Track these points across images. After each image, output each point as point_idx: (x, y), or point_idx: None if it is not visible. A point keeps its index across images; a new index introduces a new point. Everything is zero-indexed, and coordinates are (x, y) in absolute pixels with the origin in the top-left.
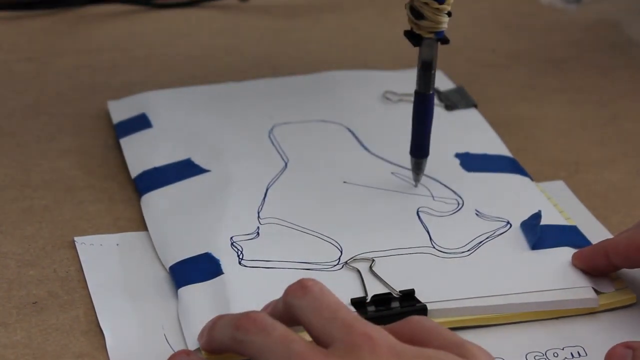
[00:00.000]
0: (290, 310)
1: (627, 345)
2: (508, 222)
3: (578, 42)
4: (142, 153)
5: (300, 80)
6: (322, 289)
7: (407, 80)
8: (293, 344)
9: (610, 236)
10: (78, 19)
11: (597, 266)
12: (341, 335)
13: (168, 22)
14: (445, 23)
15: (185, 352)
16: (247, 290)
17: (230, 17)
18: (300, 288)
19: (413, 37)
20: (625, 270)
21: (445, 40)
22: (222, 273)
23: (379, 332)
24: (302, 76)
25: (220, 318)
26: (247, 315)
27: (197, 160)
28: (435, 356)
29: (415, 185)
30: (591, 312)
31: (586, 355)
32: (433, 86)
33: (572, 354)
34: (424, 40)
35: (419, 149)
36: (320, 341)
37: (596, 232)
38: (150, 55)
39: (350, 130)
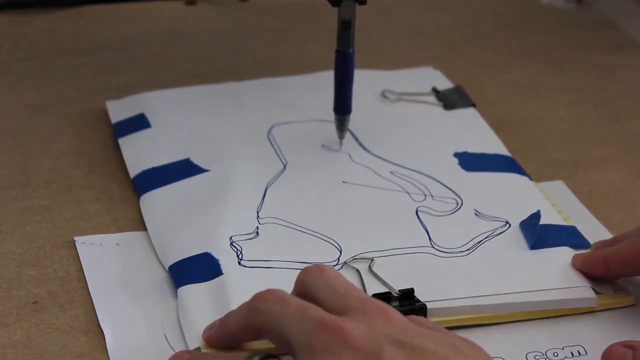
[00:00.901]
0: (304, 287)
1: (626, 345)
2: (507, 222)
3: (578, 42)
4: (141, 153)
5: (300, 80)
6: (338, 272)
7: (406, 80)
8: (309, 309)
9: (610, 236)
10: (78, 19)
11: (596, 274)
12: (357, 305)
13: (168, 21)
14: None
15: (187, 352)
16: (247, 290)
17: (230, 17)
18: (317, 268)
19: None
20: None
21: (362, 1)
22: (222, 273)
23: (392, 309)
24: (302, 76)
25: (231, 312)
26: (265, 289)
27: (196, 160)
28: (445, 339)
29: (340, 143)
30: (591, 312)
31: (586, 354)
32: (353, 45)
33: (572, 353)
34: (342, 2)
35: (342, 106)
36: (334, 313)
37: (596, 232)
38: (150, 55)
39: (349, 130)
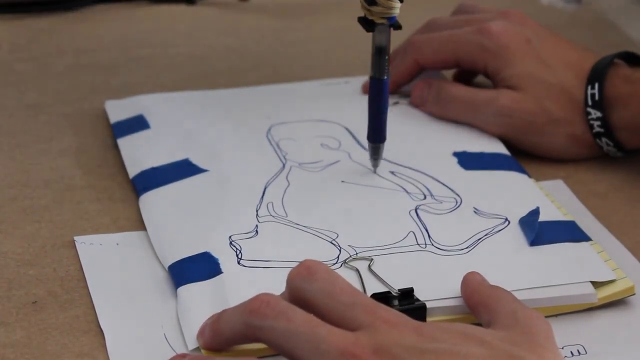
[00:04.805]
0: (298, 293)
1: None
2: (506, 219)
3: (578, 42)
4: (140, 153)
5: (299, 87)
6: (328, 271)
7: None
8: (319, 328)
9: (610, 236)
10: (78, 19)
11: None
12: (366, 319)
13: (168, 22)
14: (397, 9)
15: (181, 355)
16: (246, 289)
17: (230, 17)
18: (305, 269)
19: (366, 23)
20: (624, 265)
21: (397, 26)
22: (221, 272)
23: (399, 315)
24: (301, 83)
25: (224, 311)
26: (258, 299)
27: (195, 160)
28: (462, 330)
29: (374, 171)
30: (590, 309)
31: (586, 353)
32: (387, 71)
33: (572, 352)
34: (376, 26)
35: (376, 134)
36: (340, 326)
37: (596, 232)
38: (150, 55)
39: (348, 130)
